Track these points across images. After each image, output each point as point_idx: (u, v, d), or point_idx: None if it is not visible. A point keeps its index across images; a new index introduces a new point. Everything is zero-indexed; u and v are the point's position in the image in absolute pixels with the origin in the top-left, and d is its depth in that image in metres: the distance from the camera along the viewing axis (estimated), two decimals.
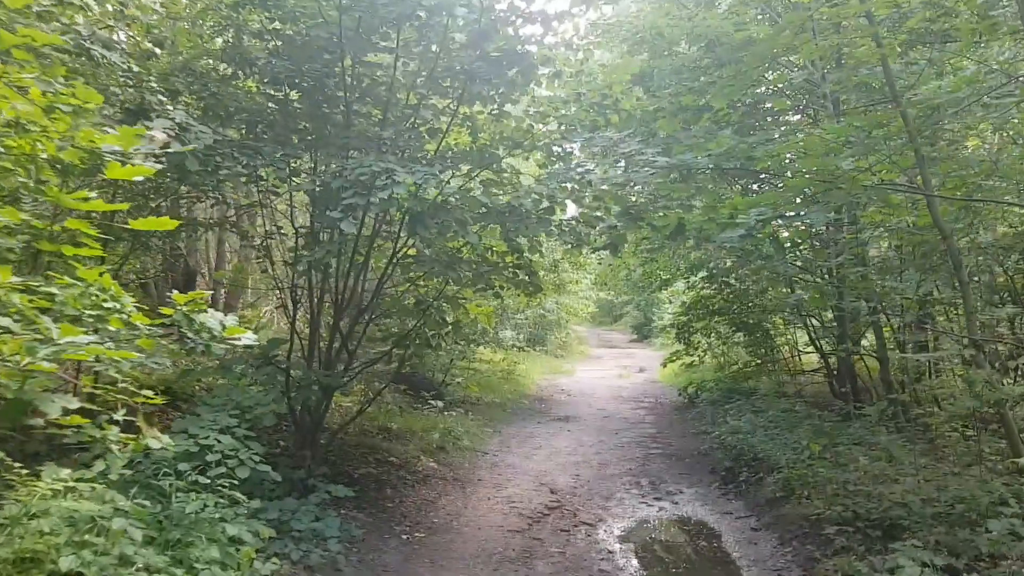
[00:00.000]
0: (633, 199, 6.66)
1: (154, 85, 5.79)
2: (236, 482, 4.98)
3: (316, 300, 7.35)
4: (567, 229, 7.64)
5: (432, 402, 11.14)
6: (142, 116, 5.56)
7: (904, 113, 5.97)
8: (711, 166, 5.75)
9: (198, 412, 5.67)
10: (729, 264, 14.30)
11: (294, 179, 6.69)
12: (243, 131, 7.07)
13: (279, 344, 6.64)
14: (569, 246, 7.67)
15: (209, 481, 4.69)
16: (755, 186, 11.39)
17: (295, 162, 7.04)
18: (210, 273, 13.19)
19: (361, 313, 7.53)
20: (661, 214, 6.74)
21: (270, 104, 7.19)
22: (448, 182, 6.73)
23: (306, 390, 6.57)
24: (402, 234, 7.12)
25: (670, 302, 27.29)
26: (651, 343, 31.78)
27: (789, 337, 15.47)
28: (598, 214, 7.56)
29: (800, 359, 15.21)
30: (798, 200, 6.60)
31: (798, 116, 11.79)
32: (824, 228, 10.23)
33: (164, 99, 6.16)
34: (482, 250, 7.12)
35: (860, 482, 7.41)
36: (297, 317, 7.51)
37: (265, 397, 5.86)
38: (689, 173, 5.87)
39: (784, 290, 14.07)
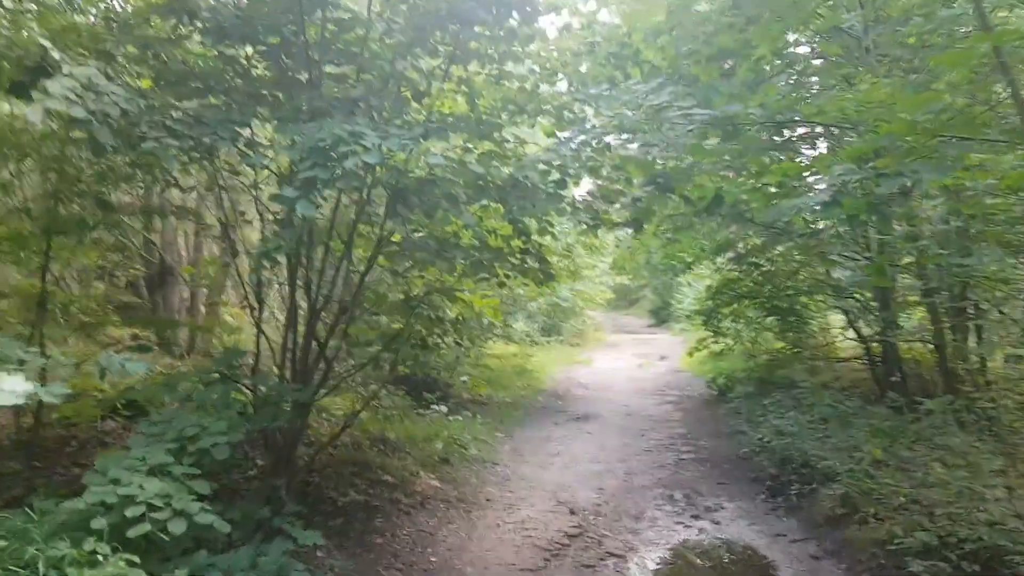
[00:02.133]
0: (661, 165, 5.46)
1: (38, 33, 4.61)
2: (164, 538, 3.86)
3: (289, 299, 6.22)
4: (582, 206, 6.47)
5: (435, 406, 9.98)
6: (43, 75, 4.41)
7: (998, 47, 4.75)
8: (764, 120, 4.56)
9: (129, 445, 4.55)
10: (759, 243, 13.13)
11: (249, 152, 5.53)
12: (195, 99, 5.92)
13: (237, 356, 5.49)
14: (585, 226, 6.48)
15: (109, 551, 3.55)
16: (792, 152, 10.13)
17: (253, 133, 5.89)
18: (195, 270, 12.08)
19: (342, 313, 6.38)
20: (701, 183, 5.55)
21: (231, 68, 6.05)
22: (443, 154, 5.57)
23: (272, 408, 5.44)
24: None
25: (689, 284, 26.06)
26: (669, 328, 30.58)
27: (821, 321, 14.27)
28: (618, 187, 6.40)
29: (834, 345, 13.98)
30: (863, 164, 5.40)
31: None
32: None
33: (86, 59, 5.02)
34: (482, 233, 5.96)
35: (939, 496, 6.24)
36: (265, 318, 6.41)
37: (216, 423, 4.71)
38: (736, 130, 4.66)
39: (821, 270, 12.92)
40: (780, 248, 12.70)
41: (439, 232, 5.72)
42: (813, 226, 11.91)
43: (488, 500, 7.41)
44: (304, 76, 5.82)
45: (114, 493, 3.94)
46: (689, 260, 14.29)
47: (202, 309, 11.73)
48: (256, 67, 6.22)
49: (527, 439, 10.20)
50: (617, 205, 6.01)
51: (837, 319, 15.10)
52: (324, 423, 8.76)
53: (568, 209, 6.37)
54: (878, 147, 3.53)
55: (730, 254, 13.77)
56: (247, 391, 5.89)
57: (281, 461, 6.25)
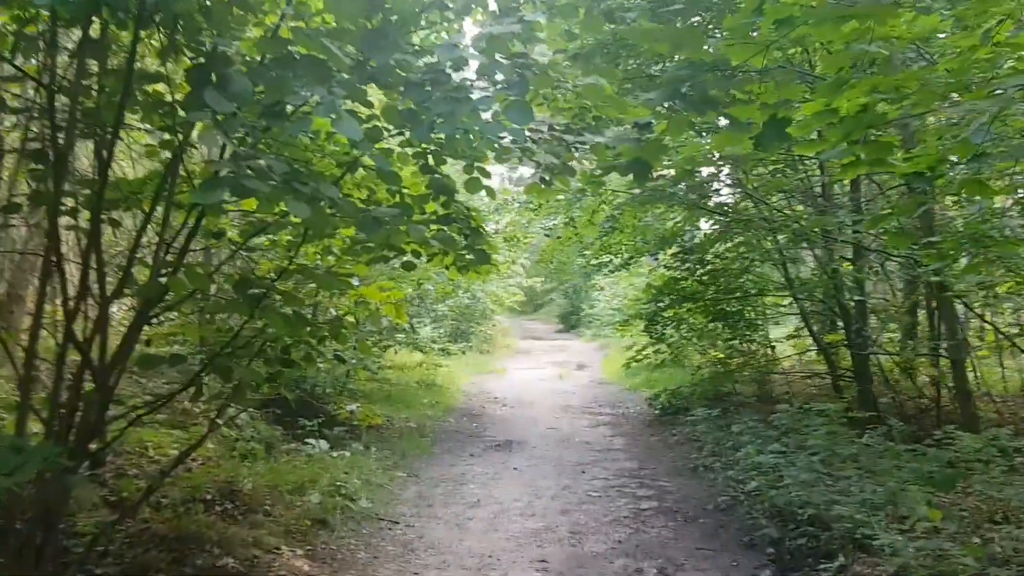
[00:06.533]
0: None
1: None
2: None
3: (40, 288, 3.63)
4: (539, 144, 4.11)
5: (312, 441, 7.38)
6: None
7: None
8: None
9: None
10: (710, 236, 11.26)
11: None
12: None
13: None
14: (543, 182, 4.11)
15: None
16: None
17: None
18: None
19: (143, 309, 3.83)
20: (747, 94, 3.29)
21: None
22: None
23: None
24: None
25: (602, 289, 24.14)
26: (580, 334, 28.80)
27: (764, 332, 12.48)
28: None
29: (778, 360, 12.18)
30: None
31: None
32: None
33: None
34: (385, 162, 3.52)
35: None
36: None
37: None
38: None
39: (776, 275, 11.18)
40: (735, 240, 10.86)
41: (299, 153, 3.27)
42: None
43: None
44: None
45: None
46: (627, 256, 12.19)
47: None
48: None
49: (437, 480, 7.75)
50: (611, 136, 3.68)
51: (784, 329, 13.39)
52: (145, 463, 6.11)
53: (518, 153, 4.03)
54: None
55: (674, 248, 11.83)
56: None
57: (27, 557, 3.66)
